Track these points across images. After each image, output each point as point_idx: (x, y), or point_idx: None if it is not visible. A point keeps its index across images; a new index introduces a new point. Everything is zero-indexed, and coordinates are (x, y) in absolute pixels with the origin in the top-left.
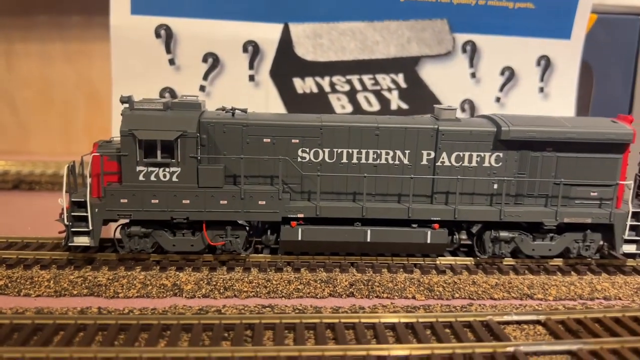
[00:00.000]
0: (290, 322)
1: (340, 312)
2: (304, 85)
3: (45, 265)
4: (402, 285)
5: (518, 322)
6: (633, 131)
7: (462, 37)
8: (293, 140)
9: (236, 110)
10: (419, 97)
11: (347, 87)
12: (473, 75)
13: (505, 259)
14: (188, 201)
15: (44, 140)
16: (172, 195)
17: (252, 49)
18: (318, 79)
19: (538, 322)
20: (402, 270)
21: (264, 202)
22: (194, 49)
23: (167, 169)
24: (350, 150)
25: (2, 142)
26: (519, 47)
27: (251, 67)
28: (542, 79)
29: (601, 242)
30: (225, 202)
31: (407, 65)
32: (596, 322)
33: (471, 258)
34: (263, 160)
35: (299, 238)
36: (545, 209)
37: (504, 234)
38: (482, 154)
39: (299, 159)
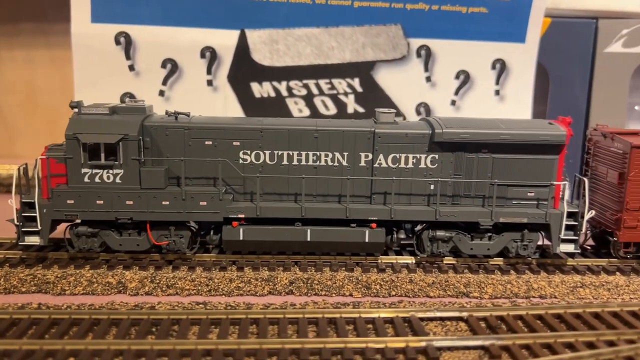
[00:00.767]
0: (217, 317)
1: (271, 308)
2: (262, 89)
3: None
4: (341, 283)
5: (441, 319)
6: (567, 133)
7: (416, 42)
8: (234, 143)
9: (179, 115)
10: (375, 100)
11: (304, 92)
12: (428, 79)
13: (446, 258)
14: (131, 202)
15: (30, 144)
16: (116, 196)
17: (210, 55)
18: (275, 83)
19: (461, 318)
20: (343, 268)
21: (205, 203)
22: (153, 55)
23: (110, 171)
24: (290, 152)
25: None
26: (474, 51)
27: (209, 72)
28: (497, 82)
29: (540, 242)
30: (167, 202)
31: (363, 70)
32: (519, 319)
33: (412, 257)
34: (205, 162)
35: (241, 238)
36: (482, 209)
37: (440, 233)
38: (418, 155)
39: (241, 161)
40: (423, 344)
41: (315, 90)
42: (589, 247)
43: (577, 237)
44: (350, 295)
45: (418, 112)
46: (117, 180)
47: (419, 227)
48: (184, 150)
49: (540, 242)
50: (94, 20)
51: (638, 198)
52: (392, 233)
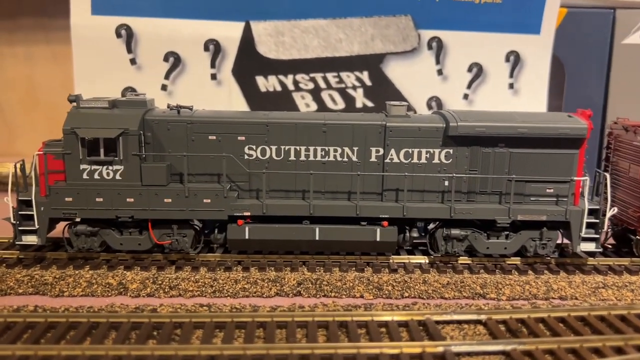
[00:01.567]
0: (222, 320)
1: (278, 311)
2: (267, 83)
3: None
4: (351, 284)
5: (458, 322)
6: (588, 126)
7: (427, 34)
8: (239, 138)
9: (181, 108)
10: (385, 95)
11: (311, 85)
12: (440, 72)
13: (461, 257)
14: (132, 199)
15: (30, 141)
16: (116, 193)
17: (214, 48)
18: (281, 77)
19: (479, 321)
20: (353, 268)
21: (209, 200)
22: (155, 49)
23: (110, 167)
24: (297, 147)
25: None
26: (487, 42)
27: (213, 65)
28: (511, 75)
29: (560, 241)
30: (170, 200)
31: (372, 63)
32: (540, 322)
33: (426, 257)
34: (209, 158)
35: (246, 237)
36: (499, 206)
37: (455, 231)
38: (431, 150)
39: (246, 157)
40: (441, 349)
41: (322, 84)
42: (609, 246)
43: (598, 236)
44: (361, 296)
45: (429, 107)
46: (117, 176)
47: (431, 225)
48: (186, 145)
49: (559, 241)
50: (94, 12)
51: None
52: (404, 231)
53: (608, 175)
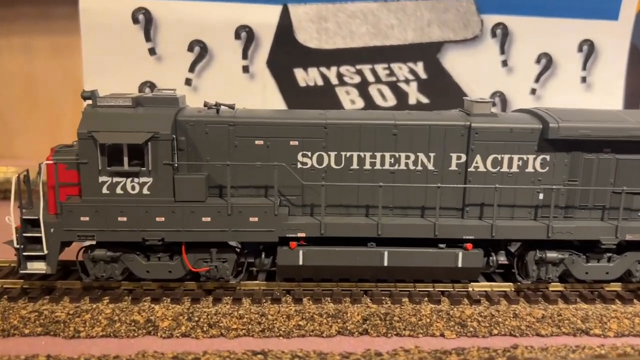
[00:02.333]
0: None
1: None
2: (307, 77)
3: None
4: (428, 320)
5: None
6: None
7: (491, 19)
8: (291, 143)
9: (221, 106)
10: (442, 89)
11: (357, 79)
12: (504, 63)
13: (552, 284)
14: (163, 218)
15: (29, 142)
16: (143, 211)
17: (246, 36)
18: (323, 69)
19: None
20: (426, 299)
21: (256, 219)
22: (178, 36)
23: (136, 180)
24: (361, 154)
25: None
26: (558, 30)
27: (245, 56)
28: (584, 67)
29: None
30: (209, 219)
31: (428, 53)
32: None
33: (510, 283)
34: (255, 167)
35: (300, 263)
36: (603, 223)
37: (551, 254)
38: (524, 156)
39: (299, 165)
40: None
41: (370, 78)
42: None
43: None
44: (442, 335)
45: (492, 104)
46: (145, 191)
47: (515, 247)
48: (228, 152)
49: None
50: None
51: None
52: (489, 255)
53: None
